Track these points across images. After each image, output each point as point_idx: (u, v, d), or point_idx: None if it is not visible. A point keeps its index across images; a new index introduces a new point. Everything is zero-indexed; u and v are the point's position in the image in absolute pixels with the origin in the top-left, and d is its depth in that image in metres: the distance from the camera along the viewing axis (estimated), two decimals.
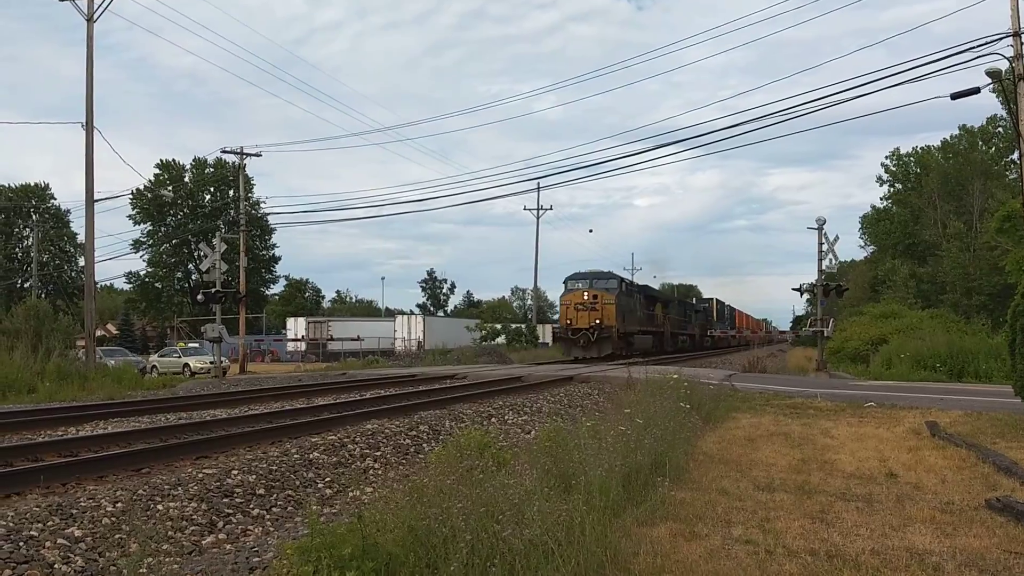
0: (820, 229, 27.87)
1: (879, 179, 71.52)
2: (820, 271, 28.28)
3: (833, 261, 28.02)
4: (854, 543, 5.49)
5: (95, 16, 26.25)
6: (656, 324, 44.68)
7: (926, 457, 9.15)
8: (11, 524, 5.45)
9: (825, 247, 27.73)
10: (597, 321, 35.12)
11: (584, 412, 14.14)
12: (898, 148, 74.49)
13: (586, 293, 36.07)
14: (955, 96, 19.21)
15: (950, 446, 9.80)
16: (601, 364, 30.24)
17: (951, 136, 65.24)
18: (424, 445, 9.78)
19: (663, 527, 5.69)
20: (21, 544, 5.22)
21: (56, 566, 5.07)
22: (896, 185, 70.13)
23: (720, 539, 5.52)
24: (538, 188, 53.75)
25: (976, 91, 19.00)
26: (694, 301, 69.18)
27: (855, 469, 8.53)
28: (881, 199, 72.84)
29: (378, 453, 8.93)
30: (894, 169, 70.40)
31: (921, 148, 69.04)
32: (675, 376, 12.11)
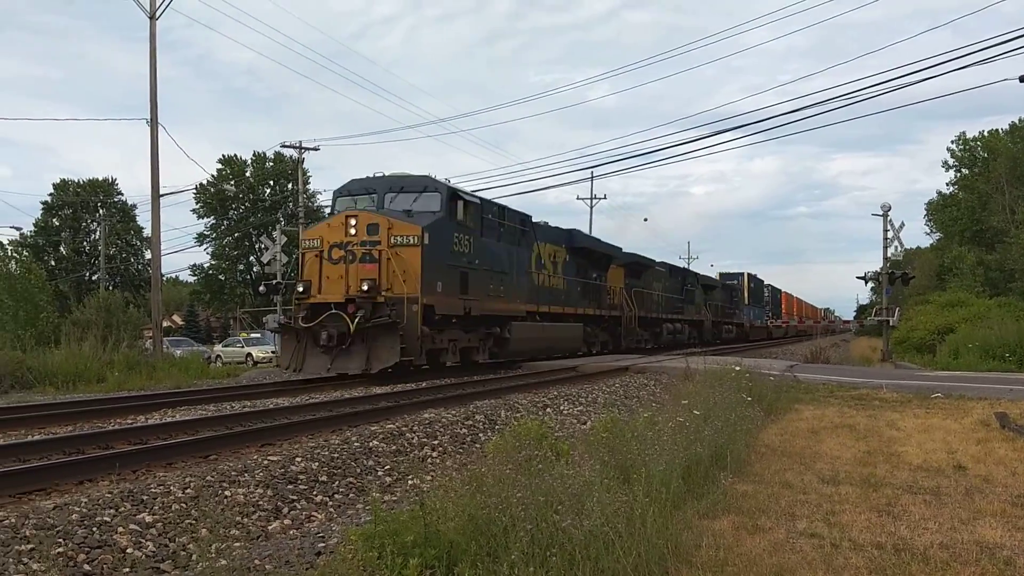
0: (885, 215, 27.16)
1: (945, 164, 69.34)
2: (885, 259, 27.56)
3: (899, 248, 27.30)
4: (922, 537, 5.35)
5: (157, 14, 26.88)
6: (598, 301, 26.81)
7: (995, 449, 8.88)
8: (84, 510, 5.65)
9: (890, 234, 27.02)
10: (365, 288, 15.35)
11: (640, 403, 14.06)
12: (964, 132, 71.77)
13: (353, 220, 15.98)
14: None
15: (1020, 438, 9.49)
16: (657, 355, 29.21)
17: (1020, 119, 62.81)
18: (480, 435, 9.84)
19: (725, 520, 5.62)
20: (94, 529, 5.40)
21: (128, 551, 5.24)
22: (963, 170, 67.87)
23: (784, 532, 5.44)
24: (592, 177, 53.23)
25: None
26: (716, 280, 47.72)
27: (922, 461, 8.32)
28: (947, 184, 70.64)
29: (435, 442, 9.02)
30: (960, 154, 68.14)
31: (988, 132, 66.62)
32: (736, 367, 11.95)
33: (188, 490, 6.24)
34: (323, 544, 5.10)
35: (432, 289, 16.12)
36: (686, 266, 45.10)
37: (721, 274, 55.00)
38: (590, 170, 49.85)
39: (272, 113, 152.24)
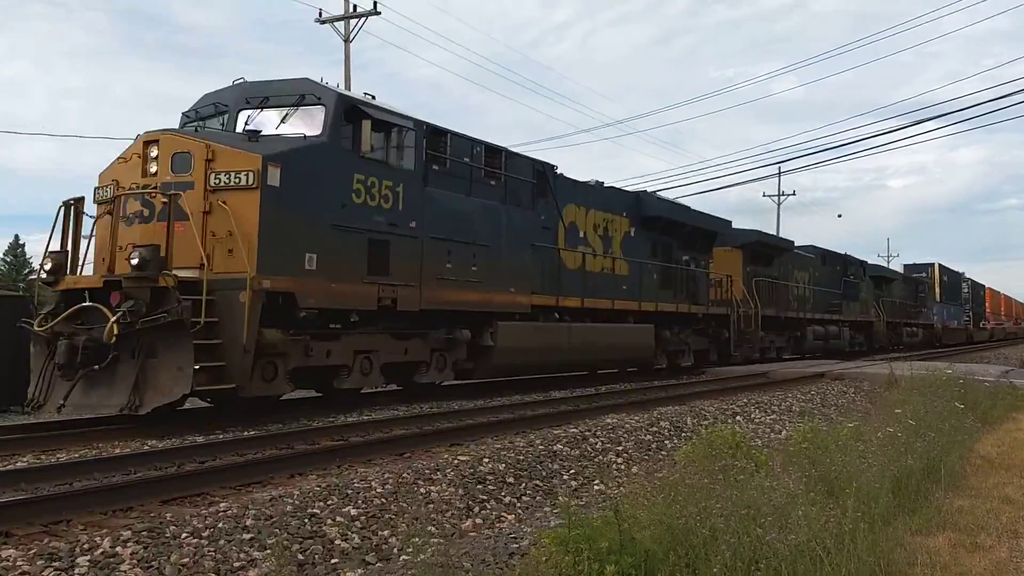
0: None
1: None
2: None
3: None
4: None
5: (351, 37, 28.59)
6: (690, 293, 19.52)
7: None
8: (297, 502, 6.05)
9: None
10: (135, 262, 8.92)
11: (839, 411, 13.31)
12: None
13: (153, 149, 9.90)
14: None
15: None
16: (857, 360, 26.53)
17: None
18: (666, 442, 9.67)
19: (941, 536, 5.20)
20: (306, 521, 5.77)
21: (336, 542, 5.56)
22: None
23: (1007, 551, 4.99)
24: (779, 173, 50.98)
25: None
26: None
27: None
28: None
29: (619, 448, 8.95)
30: None
31: None
32: (948, 371, 11.04)
33: (387, 486, 6.54)
34: (516, 545, 5.17)
35: (290, 264, 9.94)
36: (860, 257, 35.14)
37: (905, 266, 48.29)
38: (777, 165, 47.74)
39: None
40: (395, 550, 5.46)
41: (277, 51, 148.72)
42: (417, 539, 5.63)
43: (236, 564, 5.10)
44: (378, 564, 5.28)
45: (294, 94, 10.84)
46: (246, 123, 10.88)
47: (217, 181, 9.63)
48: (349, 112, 10.84)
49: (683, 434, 10.22)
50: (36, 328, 9.37)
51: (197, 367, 8.77)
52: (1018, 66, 42.24)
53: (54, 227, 9.99)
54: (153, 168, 9.87)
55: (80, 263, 10.22)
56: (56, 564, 4.72)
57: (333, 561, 5.35)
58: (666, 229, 18.69)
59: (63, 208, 9.99)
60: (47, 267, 9.81)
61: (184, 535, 5.29)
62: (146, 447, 8.72)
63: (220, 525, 5.51)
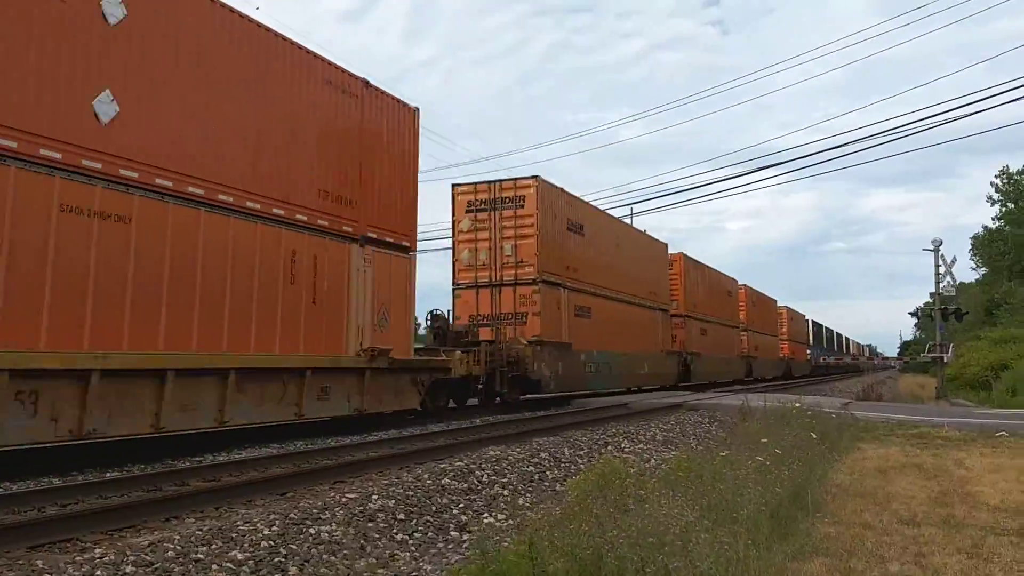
0: (936, 250, 26.80)
1: (990, 199, 68.11)
2: (938, 293, 27.13)
3: (951, 284, 26.84)
4: None
5: None
6: None
7: None
8: (179, 547, 5.76)
9: (942, 269, 26.61)
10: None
11: (699, 441, 13.95)
12: (1008, 165, 70.65)
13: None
14: None
15: None
16: (709, 391, 29.10)
17: None
18: (547, 472, 9.85)
19: (816, 562, 5.57)
20: (191, 567, 5.50)
21: None
22: (1008, 204, 66.65)
23: (879, 575, 5.39)
24: (631, 214, 53.33)
25: None
26: None
27: (999, 502, 8.20)
28: (992, 219, 69.38)
29: (504, 479, 9.04)
30: (1005, 188, 66.96)
31: None
32: (797, 404, 11.84)
33: (274, 527, 6.34)
34: None
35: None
36: None
37: None
38: (630, 206, 49.80)
39: None
40: None
41: None
42: None
43: None
44: None
45: None
46: None
47: None
48: None
49: (562, 464, 10.45)
50: None
51: None
52: (846, 118, 46.16)
53: None
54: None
55: None
56: None
57: None
58: None
59: None
60: None
61: None
62: None
63: (98, 573, 5.17)
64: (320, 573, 5.67)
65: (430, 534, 6.92)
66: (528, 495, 8.56)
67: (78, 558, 5.40)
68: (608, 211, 28.51)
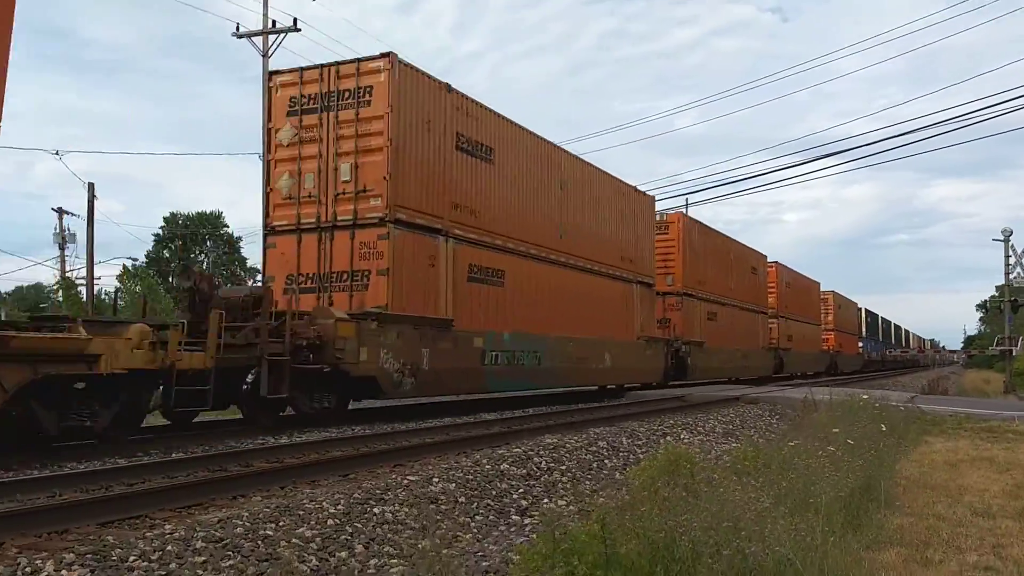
0: (1007, 240, 25.83)
1: None
2: (1007, 284, 26.16)
3: (1022, 274, 25.79)
4: None
5: (270, 52, 28.13)
6: None
7: None
8: (247, 524, 5.83)
9: (1012, 259, 25.63)
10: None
11: (758, 433, 13.72)
12: None
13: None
14: None
15: None
16: (768, 384, 28.08)
17: None
18: (606, 461, 9.78)
19: (891, 552, 5.43)
20: (259, 543, 5.56)
21: (293, 564, 5.37)
22: None
23: (956, 565, 5.24)
24: (686, 204, 52.79)
25: None
26: None
27: None
28: None
29: (563, 467, 8.99)
30: None
31: None
32: (864, 397, 11.57)
33: (339, 506, 6.38)
34: (486, 563, 5.12)
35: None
36: None
37: None
38: (685, 197, 49.05)
39: None
40: (356, 572, 5.33)
41: (180, 67, 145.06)
42: (375, 560, 5.56)
43: None
44: None
45: None
46: None
47: None
48: None
49: (620, 453, 10.36)
50: None
51: None
52: (909, 107, 44.91)
53: None
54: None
55: None
56: None
57: None
58: None
59: None
60: None
61: (132, 558, 5.02)
62: (66, 469, 8.31)
63: (169, 548, 5.25)
64: (385, 551, 5.69)
65: (491, 517, 6.91)
66: (588, 482, 8.50)
67: (148, 534, 5.48)
68: (660, 200, 24.41)
